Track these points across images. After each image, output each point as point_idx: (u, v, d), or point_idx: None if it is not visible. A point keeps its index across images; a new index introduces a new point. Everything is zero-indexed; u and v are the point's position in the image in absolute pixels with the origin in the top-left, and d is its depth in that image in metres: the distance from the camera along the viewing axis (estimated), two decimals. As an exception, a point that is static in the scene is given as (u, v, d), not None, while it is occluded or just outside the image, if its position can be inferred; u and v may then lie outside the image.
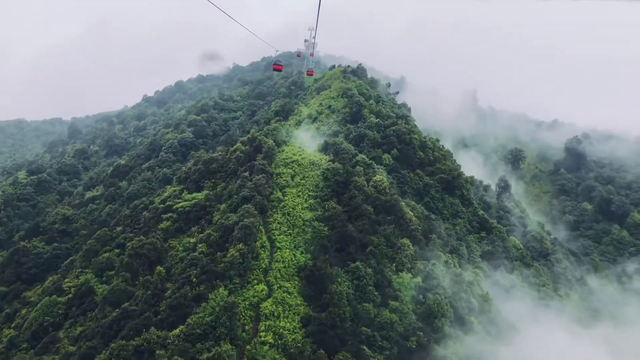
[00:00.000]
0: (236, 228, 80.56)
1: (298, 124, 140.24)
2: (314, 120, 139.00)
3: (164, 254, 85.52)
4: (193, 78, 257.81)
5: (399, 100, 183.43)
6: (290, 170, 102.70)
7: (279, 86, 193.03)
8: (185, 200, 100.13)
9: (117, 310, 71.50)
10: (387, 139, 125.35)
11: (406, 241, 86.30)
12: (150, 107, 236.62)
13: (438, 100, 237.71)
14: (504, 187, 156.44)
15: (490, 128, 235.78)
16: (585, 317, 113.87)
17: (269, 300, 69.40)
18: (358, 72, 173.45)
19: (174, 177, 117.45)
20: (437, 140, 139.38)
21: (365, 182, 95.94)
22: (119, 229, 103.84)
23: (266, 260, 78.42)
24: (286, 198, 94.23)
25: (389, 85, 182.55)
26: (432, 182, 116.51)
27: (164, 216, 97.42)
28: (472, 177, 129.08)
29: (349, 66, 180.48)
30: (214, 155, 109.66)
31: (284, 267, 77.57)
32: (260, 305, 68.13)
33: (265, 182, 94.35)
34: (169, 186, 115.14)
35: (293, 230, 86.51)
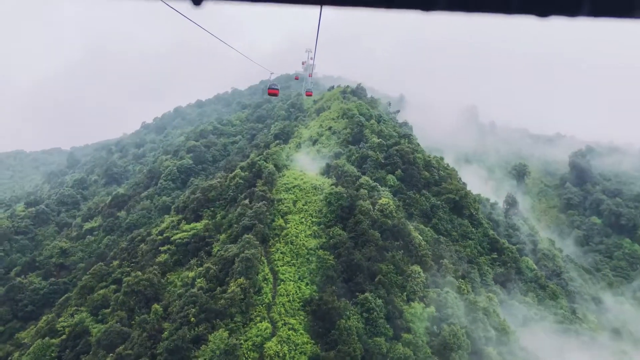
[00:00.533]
0: (236, 260, 75.40)
1: (298, 146, 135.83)
2: (315, 142, 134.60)
3: (162, 290, 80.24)
4: (192, 103, 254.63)
5: (400, 119, 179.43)
6: (292, 196, 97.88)
7: (278, 109, 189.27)
8: (183, 231, 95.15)
9: (111, 355, 65.97)
10: (391, 159, 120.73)
11: (416, 268, 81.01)
12: (149, 134, 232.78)
13: (438, 117, 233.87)
14: (511, 203, 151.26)
15: (492, 143, 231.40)
16: (606, 340, 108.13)
17: (274, 339, 63.89)
18: (357, 91, 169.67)
19: (172, 207, 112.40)
20: (442, 159, 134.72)
21: (370, 206, 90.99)
22: (115, 263, 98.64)
23: (269, 294, 73.08)
24: (289, 225, 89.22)
25: (389, 104, 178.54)
26: (439, 202, 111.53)
27: (162, 249, 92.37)
28: (479, 195, 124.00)
29: (348, 86, 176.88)
30: (213, 182, 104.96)
31: (289, 301, 72.20)
32: (264, 346, 62.60)
33: (266, 210, 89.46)
34: (167, 216, 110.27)
35: (297, 260, 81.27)
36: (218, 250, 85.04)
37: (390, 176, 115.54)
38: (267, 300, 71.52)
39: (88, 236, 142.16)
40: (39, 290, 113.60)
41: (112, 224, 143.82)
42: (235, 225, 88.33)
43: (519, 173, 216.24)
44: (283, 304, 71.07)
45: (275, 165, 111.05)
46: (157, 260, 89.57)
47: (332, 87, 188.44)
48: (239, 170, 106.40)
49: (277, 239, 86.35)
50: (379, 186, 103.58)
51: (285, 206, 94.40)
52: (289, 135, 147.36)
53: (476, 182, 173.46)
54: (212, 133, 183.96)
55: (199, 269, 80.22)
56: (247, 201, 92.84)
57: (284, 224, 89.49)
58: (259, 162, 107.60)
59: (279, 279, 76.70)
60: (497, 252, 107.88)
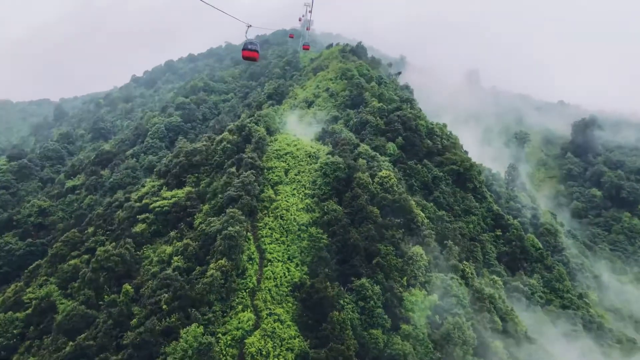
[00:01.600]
0: (219, 238, 65.67)
1: (293, 108, 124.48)
2: (310, 104, 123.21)
3: (135, 266, 70.69)
4: (184, 57, 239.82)
5: (401, 81, 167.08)
6: (284, 164, 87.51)
7: (272, 66, 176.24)
8: (164, 199, 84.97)
9: (71, 344, 56.82)
10: (391, 126, 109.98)
11: (418, 249, 71.64)
12: (138, 88, 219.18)
13: (439, 81, 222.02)
14: (514, 174, 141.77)
15: (493, 109, 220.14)
16: (610, 320, 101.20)
17: (256, 333, 54.73)
18: (358, 51, 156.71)
19: (155, 170, 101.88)
20: (444, 126, 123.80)
21: (369, 179, 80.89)
22: (90, 229, 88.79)
23: (254, 277, 63.68)
24: (279, 197, 79.26)
25: (390, 65, 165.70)
26: (441, 174, 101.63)
27: (140, 217, 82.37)
28: (480, 165, 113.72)
29: (347, 45, 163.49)
30: (198, 146, 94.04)
31: (276, 285, 62.95)
32: (246, 342, 53.50)
33: (255, 179, 79.22)
34: (148, 179, 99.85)
35: (287, 237, 71.68)
36: (200, 223, 75.18)
37: (390, 144, 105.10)
38: (251, 285, 62.16)
39: (69, 195, 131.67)
40: (15, 252, 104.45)
41: (95, 182, 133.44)
42: (220, 196, 78.22)
43: (520, 141, 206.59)
44: (269, 290, 61.80)
45: (267, 129, 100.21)
46: (133, 230, 79.71)
47: (331, 45, 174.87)
48: (227, 133, 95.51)
49: (265, 212, 76.48)
50: (379, 156, 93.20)
51: (276, 175, 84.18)
52: (283, 95, 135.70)
53: (475, 149, 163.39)
54: (203, 90, 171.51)
55: (178, 244, 70.45)
56: (234, 169, 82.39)
57: (273, 196, 79.50)
58: (249, 125, 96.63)
59: (266, 259, 67.24)
60: (501, 229, 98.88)
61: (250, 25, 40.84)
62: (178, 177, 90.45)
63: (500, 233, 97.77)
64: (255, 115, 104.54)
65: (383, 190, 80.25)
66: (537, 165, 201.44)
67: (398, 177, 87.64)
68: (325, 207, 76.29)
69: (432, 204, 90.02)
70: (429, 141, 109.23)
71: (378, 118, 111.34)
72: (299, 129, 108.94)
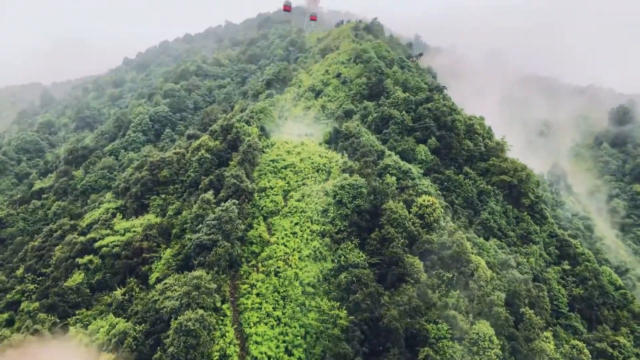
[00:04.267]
0: (173, 326, 38.34)
1: (297, 98, 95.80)
2: (318, 94, 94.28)
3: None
4: (180, 38, 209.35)
5: (421, 64, 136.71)
6: (282, 182, 59.43)
7: (275, 47, 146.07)
8: (115, 233, 57.76)
9: None
10: (421, 122, 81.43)
11: (484, 327, 44.05)
12: (130, 72, 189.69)
13: (458, 63, 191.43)
14: (558, 175, 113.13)
15: (518, 93, 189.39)
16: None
17: None
18: (373, 28, 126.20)
19: (112, 188, 74.51)
20: (482, 119, 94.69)
21: (404, 210, 52.71)
22: (19, 271, 61.92)
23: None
24: (274, 238, 51.56)
25: (410, 46, 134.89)
26: (490, 188, 73.52)
27: (81, 261, 55.33)
28: (531, 172, 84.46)
29: (360, 21, 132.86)
30: (167, 156, 65.69)
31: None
32: None
33: (239, 212, 51.43)
34: (108, 194, 72.56)
35: (284, 309, 44.22)
36: (155, 282, 47.92)
37: (421, 147, 76.76)
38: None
39: (34, 200, 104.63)
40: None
41: (65, 185, 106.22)
42: (189, 236, 50.72)
43: (548, 129, 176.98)
44: None
45: (262, 129, 72.10)
46: (67, 283, 52.67)
47: (341, 23, 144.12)
48: (206, 137, 67.17)
49: (253, 262, 49.00)
50: (413, 170, 64.78)
51: (271, 201, 56.21)
52: (286, 81, 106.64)
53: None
54: (195, 74, 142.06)
55: (117, 321, 43.22)
56: (210, 194, 54.40)
57: (266, 235, 51.76)
58: (237, 125, 68.34)
59: (251, 356, 39.90)
60: (568, 260, 71.23)
61: None
62: (140, 198, 62.87)
63: (569, 267, 70.00)
64: (247, 111, 76.04)
65: (425, 226, 52.31)
66: (567, 156, 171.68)
67: (442, 202, 59.44)
68: (342, 254, 48.60)
69: (492, 243, 61.66)
70: (469, 142, 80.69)
71: (404, 112, 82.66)
72: (303, 127, 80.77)
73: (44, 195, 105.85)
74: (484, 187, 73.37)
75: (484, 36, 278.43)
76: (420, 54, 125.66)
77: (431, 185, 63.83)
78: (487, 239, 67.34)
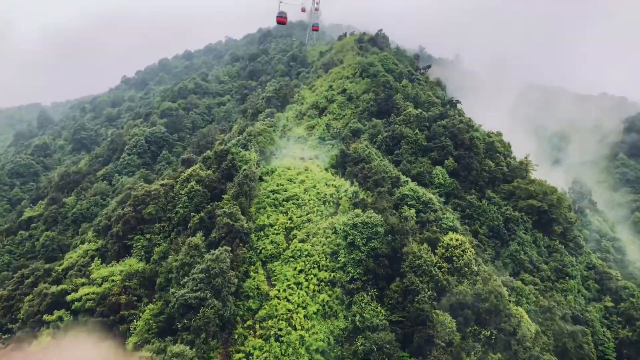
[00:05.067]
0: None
1: (299, 117, 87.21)
2: (322, 111, 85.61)
3: None
4: (179, 55, 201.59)
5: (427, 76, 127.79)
6: (284, 218, 50.42)
7: (276, 62, 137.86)
8: (91, 283, 48.85)
9: None
10: (436, 141, 72.51)
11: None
12: (128, 91, 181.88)
13: (464, 74, 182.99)
14: (581, 192, 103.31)
15: (526, 103, 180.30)
16: None
17: None
18: (378, 41, 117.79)
19: (94, 225, 65.82)
20: (499, 134, 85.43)
21: (430, 254, 43.48)
22: (-15, 325, 53.04)
23: None
24: (274, 290, 42.49)
25: (417, 58, 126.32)
26: (517, 214, 64.32)
27: (48, 319, 46.41)
28: (562, 195, 75.07)
29: (365, 33, 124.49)
30: (153, 188, 56.84)
31: None
32: None
33: (233, 261, 42.42)
34: (85, 236, 63.73)
35: (287, 387, 35.03)
36: (133, 346, 38.90)
37: (439, 169, 67.81)
38: None
39: (21, 231, 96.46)
40: None
41: (55, 213, 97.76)
42: (174, 289, 41.73)
43: (560, 139, 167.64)
44: None
45: (261, 153, 63.46)
46: (31, 346, 43.73)
47: (344, 36, 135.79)
48: (198, 166, 58.35)
49: (249, 323, 39.91)
50: (434, 200, 55.58)
51: (271, 243, 47.19)
52: (287, 98, 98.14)
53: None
54: (193, 92, 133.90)
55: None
56: (198, 237, 45.44)
57: (264, 286, 42.72)
58: (232, 151, 59.61)
59: None
60: (610, 295, 61.82)
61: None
62: (122, 238, 54.01)
63: (612, 304, 60.58)
64: (245, 134, 67.36)
65: (453, 271, 43.14)
66: (582, 168, 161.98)
67: (471, 239, 50.24)
68: (357, 311, 39.49)
69: (531, 282, 52.36)
70: (490, 162, 71.69)
71: (417, 130, 73.80)
72: (307, 150, 72.07)
73: (33, 225, 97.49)
74: (510, 213, 64.20)
75: (488, 45, 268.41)
76: (429, 66, 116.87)
77: (456, 218, 54.54)
78: (517, 274, 58.31)
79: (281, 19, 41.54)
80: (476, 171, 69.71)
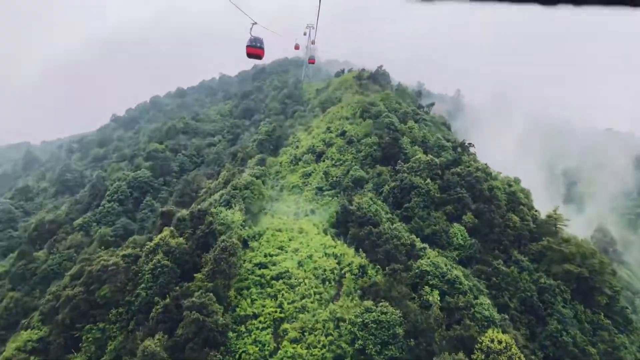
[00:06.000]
0: None
1: (294, 162, 76.41)
2: (320, 156, 74.81)
3: None
4: (171, 92, 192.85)
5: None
6: (272, 305, 38.64)
7: (270, 100, 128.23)
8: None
9: None
10: (452, 192, 61.61)
11: None
12: (117, 130, 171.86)
13: (464, 110, 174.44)
14: (606, 242, 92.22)
15: (531, 140, 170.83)
16: None
17: None
18: (378, 77, 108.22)
19: (38, 310, 53.83)
20: (518, 181, 74.73)
21: (466, 364, 31.73)
22: None
23: None
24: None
25: (419, 94, 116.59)
26: (554, 283, 52.76)
27: None
28: (605, 259, 63.84)
29: (364, 69, 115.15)
30: (109, 263, 45.23)
31: None
32: None
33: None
34: (32, 319, 51.42)
35: None
36: None
37: (457, 227, 56.55)
38: None
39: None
40: None
41: (23, 269, 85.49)
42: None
43: (567, 178, 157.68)
44: None
45: (248, 210, 52.28)
46: None
47: (342, 72, 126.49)
48: (168, 232, 46.77)
49: None
50: (463, 279, 43.95)
51: (255, 342, 35.33)
52: (281, 141, 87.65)
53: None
54: (182, 132, 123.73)
55: None
56: (156, 341, 33.62)
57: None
58: (212, 211, 48.30)
59: None
60: (670, 382, 49.73)
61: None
62: (69, 328, 42.10)
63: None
64: (230, 187, 56.17)
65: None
66: (590, 207, 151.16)
67: (517, 337, 38.42)
68: None
69: (547, 342, 40.40)
70: (514, 217, 60.56)
71: (429, 180, 62.88)
72: (302, 202, 60.91)
73: (1, 282, 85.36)
74: (544, 281, 52.66)
75: (487, 78, 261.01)
76: (432, 104, 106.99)
77: (491, 304, 42.81)
78: (559, 360, 46.41)
79: (253, 50, 26.25)
80: (499, 227, 58.53)
